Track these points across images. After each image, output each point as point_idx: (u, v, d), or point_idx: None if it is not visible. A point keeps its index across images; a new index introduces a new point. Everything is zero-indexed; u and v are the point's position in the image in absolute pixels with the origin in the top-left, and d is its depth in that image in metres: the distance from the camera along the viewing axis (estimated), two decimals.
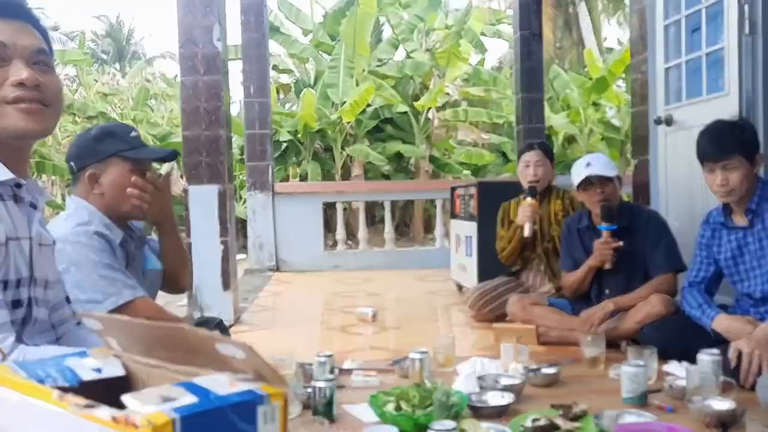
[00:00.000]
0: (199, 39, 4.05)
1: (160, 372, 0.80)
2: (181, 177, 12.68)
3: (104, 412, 0.62)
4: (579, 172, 3.06)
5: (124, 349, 0.85)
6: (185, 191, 4.18)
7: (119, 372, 0.83)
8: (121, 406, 0.67)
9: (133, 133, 1.98)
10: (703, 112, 3.42)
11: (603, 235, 3.05)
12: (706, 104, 3.47)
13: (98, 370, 0.81)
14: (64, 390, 0.70)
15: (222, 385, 0.70)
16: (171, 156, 2.09)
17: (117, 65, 32.72)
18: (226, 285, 4.11)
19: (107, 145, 1.91)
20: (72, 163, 1.93)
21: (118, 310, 1.83)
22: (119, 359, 0.84)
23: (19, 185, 1.18)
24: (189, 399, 0.65)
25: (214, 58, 4.08)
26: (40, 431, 0.66)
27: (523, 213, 3.45)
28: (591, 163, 3.06)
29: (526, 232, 3.42)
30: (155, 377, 0.81)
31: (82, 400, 0.64)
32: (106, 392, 0.80)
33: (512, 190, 3.90)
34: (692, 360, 2.35)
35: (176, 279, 2.20)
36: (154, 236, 2.29)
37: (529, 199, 3.47)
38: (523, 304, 3.32)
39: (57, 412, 0.65)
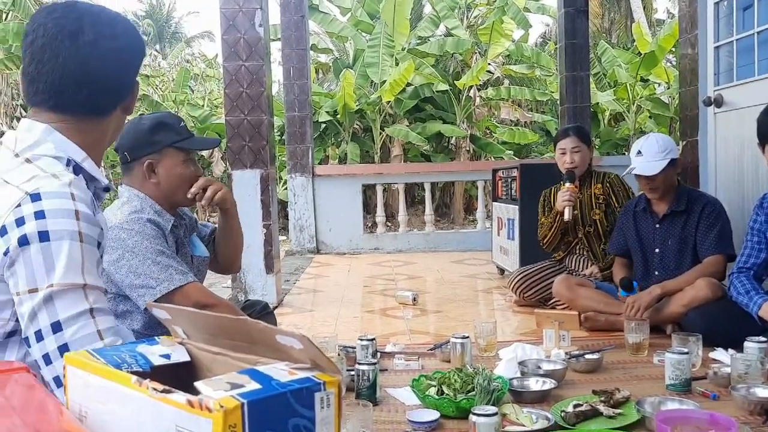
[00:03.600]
0: (242, 25, 4.10)
1: (223, 359, 0.85)
2: (222, 159, 12.87)
3: (180, 396, 0.67)
4: (632, 157, 3.08)
5: (189, 337, 0.90)
6: (228, 176, 4.27)
7: (185, 358, 0.88)
8: (187, 389, 0.72)
9: (182, 123, 2.06)
10: (755, 93, 3.33)
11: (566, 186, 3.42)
12: (758, 85, 3.37)
13: (167, 356, 0.87)
14: (139, 374, 0.75)
15: (282, 373, 0.75)
16: (216, 145, 2.24)
17: (157, 46, 33.27)
18: (269, 268, 4.20)
19: (162, 136, 1.98)
20: (126, 153, 2.01)
21: (170, 294, 1.91)
22: (184, 346, 0.90)
23: (107, 189, 1.24)
24: (254, 386, 0.70)
25: (257, 44, 4.13)
26: (122, 413, 0.72)
27: (563, 198, 3.43)
28: (642, 152, 3.03)
29: (566, 217, 3.40)
30: (218, 363, 0.86)
31: (158, 385, 0.69)
32: (174, 376, 0.85)
33: (555, 172, 3.86)
34: (738, 347, 2.33)
35: (233, 261, 2.30)
36: (206, 223, 2.38)
37: (567, 184, 3.45)
38: (569, 283, 3.32)
39: (136, 396, 0.70)
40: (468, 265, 5.85)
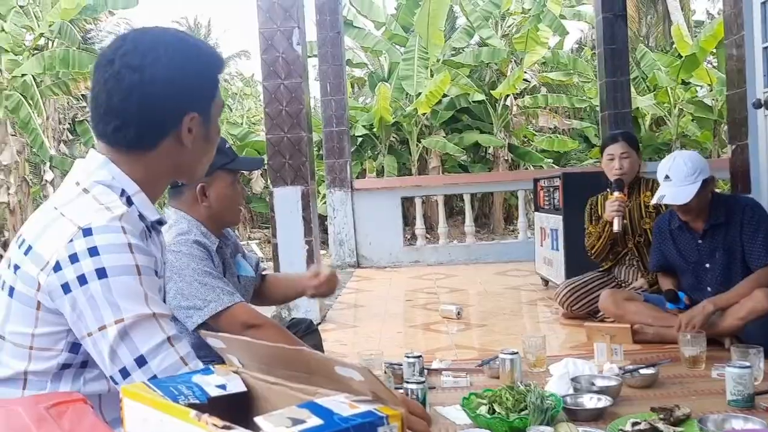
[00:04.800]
0: (280, 44, 4.14)
1: (280, 389, 0.83)
2: (261, 176, 13.02)
3: None
4: (660, 183, 2.94)
5: (244, 365, 0.89)
6: (270, 193, 4.30)
7: (241, 388, 0.87)
8: (244, 420, 0.70)
9: (228, 145, 2.07)
10: None
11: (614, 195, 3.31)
12: None
13: (223, 387, 0.86)
14: (196, 407, 0.74)
15: (343, 406, 0.73)
16: (261, 165, 2.25)
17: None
18: None
19: (213, 159, 2.00)
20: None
21: (218, 315, 1.91)
22: (240, 375, 0.89)
23: (161, 222, 1.23)
24: (315, 421, 0.68)
25: (295, 62, 4.17)
26: None
27: (611, 208, 3.33)
28: (670, 176, 2.90)
29: (616, 228, 3.30)
30: (275, 393, 0.84)
31: (218, 421, 0.68)
32: (229, 407, 0.84)
33: (599, 181, 3.78)
34: None
35: (279, 303, 2.22)
36: (251, 246, 2.39)
37: (616, 193, 3.35)
38: (615, 299, 3.22)
39: (195, 431, 0.69)
40: (511, 277, 5.76)
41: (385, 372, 2.50)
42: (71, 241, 1.03)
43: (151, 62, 1.12)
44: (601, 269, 3.75)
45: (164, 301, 1.24)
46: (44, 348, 1.08)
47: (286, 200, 4.22)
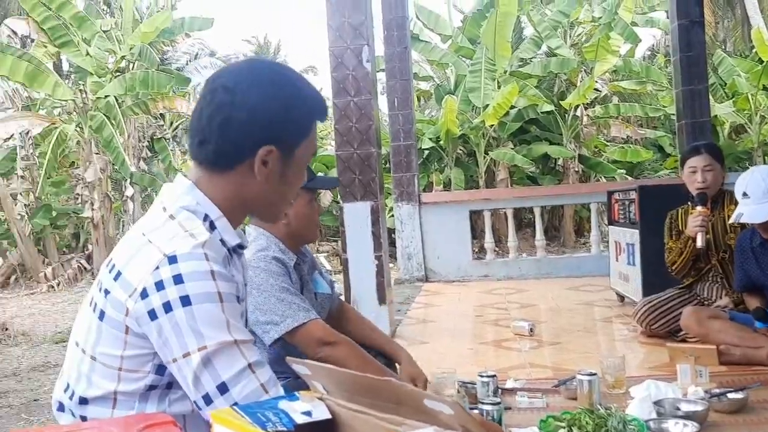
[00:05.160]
0: (350, 62, 4.20)
1: (366, 418, 0.83)
2: (329, 190, 13.22)
3: None
4: (738, 198, 2.80)
5: (328, 392, 0.89)
6: (340, 209, 4.35)
7: (326, 415, 0.87)
8: None
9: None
10: None
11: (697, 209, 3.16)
12: None
13: (308, 414, 0.86)
14: None
15: None
16: (337, 184, 2.28)
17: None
18: (381, 299, 4.22)
19: None
20: None
21: (294, 330, 1.95)
22: (325, 402, 0.89)
23: (241, 246, 1.25)
24: None
25: (364, 79, 4.22)
26: None
27: (694, 223, 3.18)
28: (748, 194, 2.76)
29: (699, 243, 3.16)
30: (360, 422, 0.84)
31: None
32: None
33: (678, 193, 3.62)
34: None
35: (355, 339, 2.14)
36: (319, 258, 2.43)
37: (699, 208, 3.21)
38: (699, 317, 3.09)
39: None
40: (584, 292, 5.61)
41: (459, 391, 2.47)
42: (157, 268, 1.07)
43: (245, 87, 1.15)
44: (681, 286, 3.59)
45: (246, 324, 1.27)
46: (132, 370, 1.12)
47: (356, 215, 4.26)
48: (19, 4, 12.24)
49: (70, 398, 1.17)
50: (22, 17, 12.16)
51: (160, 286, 1.06)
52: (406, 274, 7.03)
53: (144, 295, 1.07)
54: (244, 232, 1.48)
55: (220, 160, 1.18)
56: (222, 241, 1.17)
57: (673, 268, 3.45)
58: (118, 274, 1.12)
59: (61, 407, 1.20)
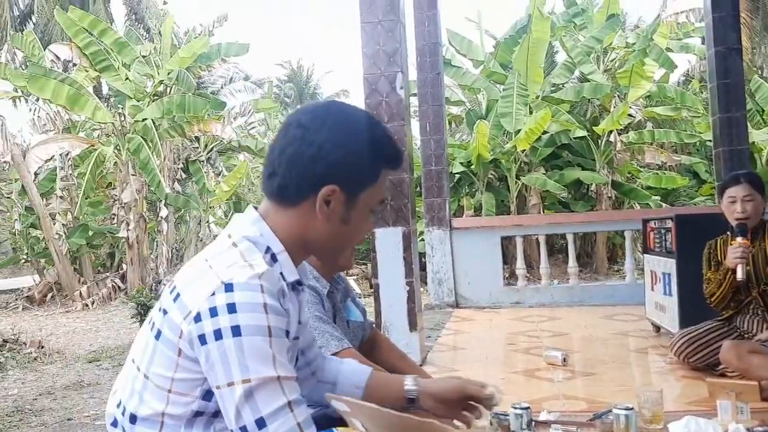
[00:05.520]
0: (383, 88, 4.24)
1: None
2: None
3: None
4: None
5: (366, 430, 0.89)
6: (372, 234, 4.35)
7: None
8: None
9: None
10: None
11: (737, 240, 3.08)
12: None
13: None
14: None
15: None
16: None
17: (298, 106, 35.53)
18: (412, 325, 4.19)
19: None
20: None
21: None
22: None
23: (300, 283, 1.26)
24: None
25: (398, 106, 4.25)
26: None
27: (734, 255, 3.11)
28: None
29: (739, 275, 3.08)
30: None
31: None
32: None
33: (716, 223, 3.55)
34: None
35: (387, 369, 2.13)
36: (354, 286, 2.42)
37: (739, 239, 3.14)
38: (739, 351, 3.00)
39: None
40: (618, 321, 5.50)
41: (491, 423, 2.43)
42: (213, 294, 1.09)
43: (318, 124, 1.18)
44: (720, 318, 3.50)
45: (297, 361, 1.27)
46: (181, 393, 1.14)
47: (388, 241, 4.26)
48: (63, 30, 12.67)
49: (122, 414, 1.20)
50: (65, 43, 12.59)
51: (213, 312, 1.08)
52: (437, 300, 6.99)
53: (197, 319, 1.09)
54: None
55: (285, 194, 1.20)
56: (281, 275, 1.19)
57: (712, 299, 3.37)
58: (177, 295, 1.15)
59: (114, 423, 1.23)
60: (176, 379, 1.13)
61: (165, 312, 1.15)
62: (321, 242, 1.23)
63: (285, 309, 1.15)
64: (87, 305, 10.35)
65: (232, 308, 1.07)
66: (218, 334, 1.07)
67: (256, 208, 1.25)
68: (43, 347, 6.48)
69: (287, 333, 1.15)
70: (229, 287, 1.09)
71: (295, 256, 1.23)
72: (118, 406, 1.22)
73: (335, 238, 1.23)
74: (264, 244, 1.19)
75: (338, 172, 1.17)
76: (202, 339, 1.08)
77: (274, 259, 1.19)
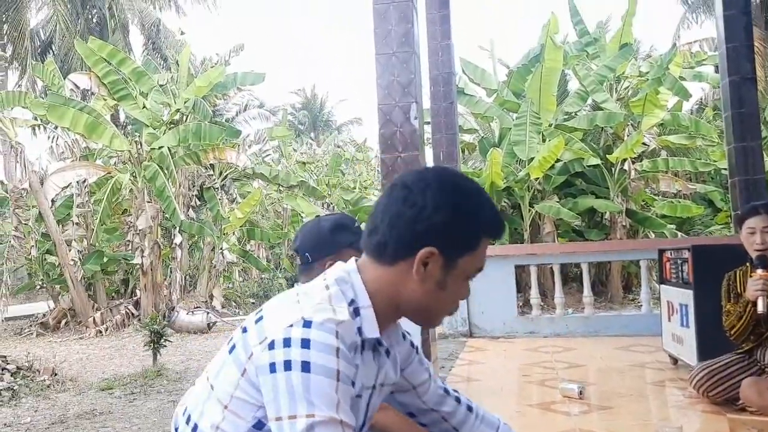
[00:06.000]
0: (398, 119, 4.26)
1: None
2: None
3: None
4: None
5: None
6: None
7: None
8: None
9: (357, 224, 2.13)
10: None
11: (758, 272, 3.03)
12: None
13: None
14: None
15: None
16: None
17: (312, 134, 35.82)
18: (427, 357, 4.14)
19: (341, 237, 2.06)
20: (307, 255, 2.10)
21: None
22: None
23: (380, 343, 1.26)
24: None
25: (412, 136, 4.27)
26: None
27: (754, 287, 3.07)
28: None
29: (760, 308, 3.04)
30: None
31: None
32: None
33: (735, 254, 3.51)
34: None
35: None
36: None
37: (759, 271, 3.10)
38: (759, 388, 2.95)
39: None
40: (635, 353, 5.42)
41: None
42: (291, 326, 1.11)
43: (422, 187, 1.19)
44: (740, 351, 3.44)
45: (365, 423, 1.27)
46: (236, 413, 1.16)
47: None
48: (83, 60, 12.92)
49: (186, 422, 1.23)
50: (84, 72, 12.82)
51: (287, 343, 1.09)
52: (450, 329, 6.93)
53: (271, 346, 1.11)
54: (411, 343, 1.47)
55: (383, 252, 1.20)
56: (360, 329, 1.18)
57: (732, 332, 3.31)
58: (261, 318, 1.18)
59: (176, 430, 1.27)
60: (235, 397, 1.16)
61: (245, 330, 1.19)
62: (414, 304, 1.22)
63: (355, 363, 1.15)
64: (100, 332, 10.37)
65: (306, 343, 1.08)
66: (288, 365, 1.08)
67: (356, 258, 1.26)
68: (56, 374, 6.48)
69: (353, 383, 1.15)
70: (307, 324, 1.10)
71: (385, 315, 1.22)
72: (183, 413, 1.26)
73: (429, 302, 1.22)
74: (350, 296, 1.20)
75: (439, 235, 1.17)
76: (272, 367, 1.09)
77: (357, 312, 1.19)
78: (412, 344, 1.47)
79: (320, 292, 1.19)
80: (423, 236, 1.17)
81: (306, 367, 1.07)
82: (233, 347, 1.19)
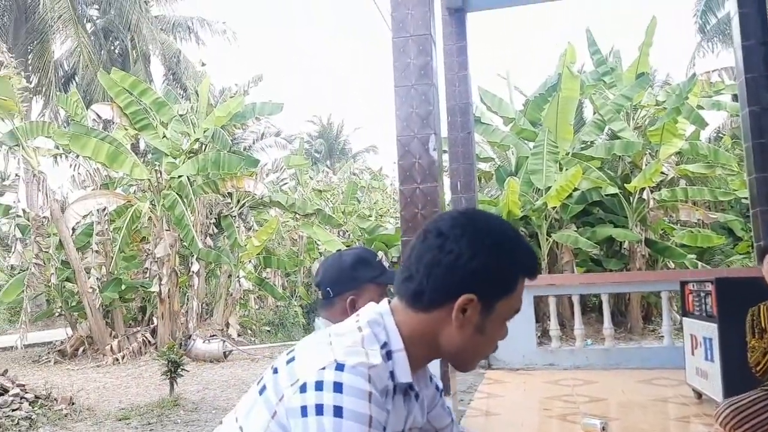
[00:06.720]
0: (416, 150, 4.29)
1: None
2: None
3: None
4: None
5: None
6: None
7: None
8: None
9: (378, 258, 2.13)
10: None
11: None
12: None
13: None
14: None
15: None
16: None
17: (328, 162, 36.10)
18: (446, 390, 4.11)
19: (363, 272, 2.06)
20: (329, 289, 2.10)
21: None
22: None
23: (411, 387, 1.24)
24: None
25: (430, 167, 4.28)
26: None
27: None
28: None
29: None
30: None
31: None
32: None
33: (758, 288, 3.45)
34: None
35: None
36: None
37: None
38: None
39: None
40: (657, 387, 5.32)
41: None
42: (324, 368, 1.09)
43: (458, 233, 1.18)
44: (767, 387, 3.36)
45: None
46: None
47: None
48: (105, 91, 13.18)
49: None
50: (107, 103, 13.07)
51: (319, 386, 1.08)
52: None
53: (303, 389, 1.09)
54: (436, 386, 1.47)
55: (419, 300, 1.19)
56: (392, 373, 1.17)
57: (757, 369, 3.25)
58: (292, 359, 1.17)
59: None
60: None
61: (276, 371, 1.17)
62: (452, 349, 1.21)
63: (387, 408, 1.14)
64: (117, 359, 10.39)
65: (338, 387, 1.07)
66: (320, 410, 1.06)
67: (389, 300, 1.25)
68: (73, 404, 6.49)
69: (384, 429, 1.13)
70: (340, 367, 1.09)
71: (417, 359, 1.21)
72: None
73: (467, 347, 1.21)
74: (383, 339, 1.18)
75: (476, 282, 1.16)
76: (304, 410, 1.08)
77: (389, 356, 1.18)
78: (437, 387, 1.45)
79: (354, 335, 1.17)
80: (461, 284, 1.16)
81: (338, 412, 1.06)
82: (263, 388, 1.17)
